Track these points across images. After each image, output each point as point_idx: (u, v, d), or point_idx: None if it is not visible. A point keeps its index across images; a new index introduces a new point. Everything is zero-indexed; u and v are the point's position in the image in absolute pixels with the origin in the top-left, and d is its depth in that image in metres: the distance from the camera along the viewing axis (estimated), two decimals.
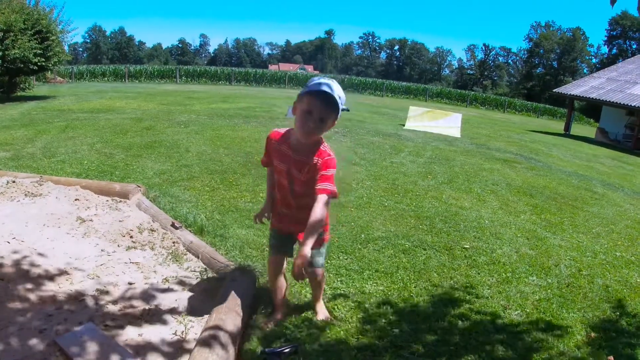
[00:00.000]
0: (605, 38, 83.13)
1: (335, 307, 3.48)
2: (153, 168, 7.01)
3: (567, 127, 27.99)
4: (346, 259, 4.37)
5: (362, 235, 5.02)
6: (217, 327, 2.70)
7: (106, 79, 37.88)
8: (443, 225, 5.73)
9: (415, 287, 4.01)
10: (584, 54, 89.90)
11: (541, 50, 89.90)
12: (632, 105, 23.31)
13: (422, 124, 17.58)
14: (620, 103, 24.00)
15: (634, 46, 77.01)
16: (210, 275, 3.73)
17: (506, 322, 3.63)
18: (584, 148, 19.97)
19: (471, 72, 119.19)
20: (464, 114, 21.54)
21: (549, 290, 4.28)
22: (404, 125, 17.71)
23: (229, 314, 2.87)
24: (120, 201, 5.10)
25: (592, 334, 3.64)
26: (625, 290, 4.58)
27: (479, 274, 4.44)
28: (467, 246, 5.08)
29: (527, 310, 3.87)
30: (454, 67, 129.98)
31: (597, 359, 3.27)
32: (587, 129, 35.96)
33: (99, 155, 7.68)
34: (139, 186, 5.41)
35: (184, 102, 18.39)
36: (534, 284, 4.38)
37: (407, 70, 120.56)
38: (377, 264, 4.32)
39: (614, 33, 79.78)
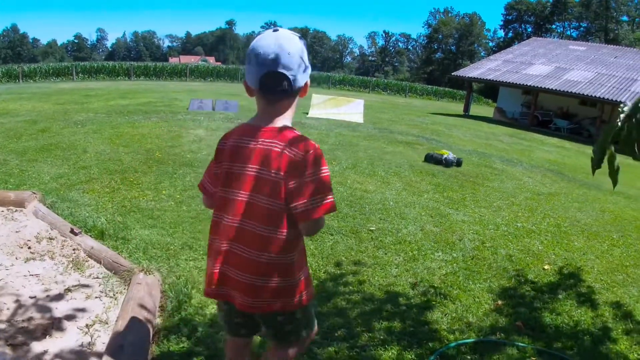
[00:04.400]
0: (502, 22, 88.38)
1: None
2: (49, 172, 6.50)
3: (467, 108, 29.48)
4: None
5: None
6: (125, 334, 2.56)
7: None
8: (349, 209, 5.77)
9: (324, 273, 3.99)
10: (481, 38, 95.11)
11: (440, 36, 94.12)
12: (528, 84, 24.99)
13: (326, 112, 17.72)
14: (516, 83, 25.65)
15: (529, 29, 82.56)
16: (114, 280, 3.52)
17: (415, 298, 3.69)
18: (483, 127, 21.07)
19: (373, 59, 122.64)
20: (367, 100, 22.02)
21: (454, 264, 4.43)
22: (307, 113, 17.77)
23: (136, 319, 2.71)
24: (16, 210, 4.70)
25: (499, 302, 3.80)
26: (527, 258, 4.84)
27: (386, 254, 4.50)
28: (373, 228, 5.14)
29: (435, 285, 3.98)
30: (355, 54, 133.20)
31: None
32: (486, 109, 38.09)
33: None
34: (34, 193, 4.98)
35: (81, 101, 17.34)
36: (440, 259, 4.51)
37: (310, 59, 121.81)
38: None
39: (510, 17, 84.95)
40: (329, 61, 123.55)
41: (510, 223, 6.00)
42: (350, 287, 3.74)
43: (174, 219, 4.97)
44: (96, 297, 3.24)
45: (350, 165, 8.50)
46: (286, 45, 1.63)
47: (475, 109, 34.05)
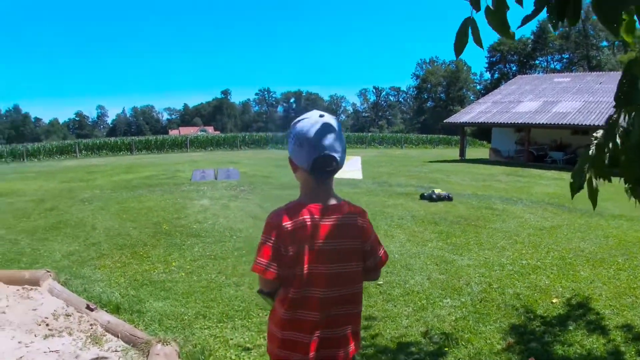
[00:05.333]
0: (487, 65, 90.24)
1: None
2: (61, 250, 6.70)
3: (462, 153, 29.89)
4: (253, 325, 4.37)
5: None
6: None
7: (4, 159, 36.01)
8: None
9: None
10: (468, 82, 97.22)
11: (429, 85, 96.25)
12: (519, 122, 25.50)
13: None
14: (507, 122, 26.14)
15: (514, 68, 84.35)
16: (132, 353, 3.66)
17: (427, 346, 3.79)
18: (480, 170, 21.33)
19: (366, 114, 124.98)
20: (365, 155, 22.45)
21: (463, 309, 4.54)
22: None
23: None
24: (32, 289, 4.86)
25: (510, 341, 3.90)
26: (535, 294, 4.95)
27: (395, 306, 4.62)
28: (381, 282, 5.26)
29: (446, 331, 4.08)
30: (349, 112, 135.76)
31: None
32: (482, 151, 38.56)
33: (3, 242, 7.26)
34: (48, 271, 5.17)
35: (85, 178, 17.72)
36: (449, 306, 4.62)
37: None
38: None
39: (494, 59, 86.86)
40: None
41: (515, 262, 6.11)
42: (364, 342, 3.84)
43: (186, 289, 5.11)
44: None
45: None
46: (334, 130, 1.82)
47: (470, 152, 34.52)
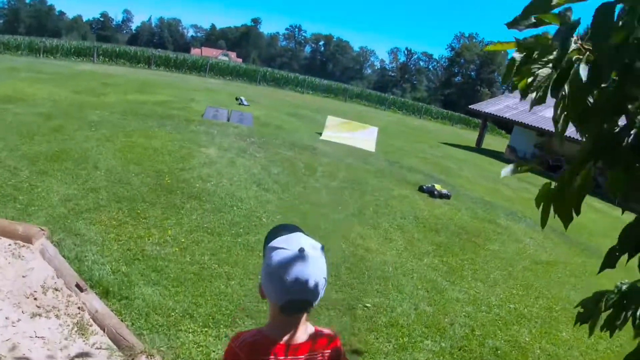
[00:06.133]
0: None
1: None
2: (59, 192, 6.68)
3: (479, 142, 29.64)
4: (251, 325, 4.45)
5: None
6: None
7: (20, 52, 35.71)
8: (348, 275, 5.97)
9: None
10: (502, 67, 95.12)
11: (462, 60, 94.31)
12: (543, 128, 25.08)
13: (339, 135, 17.92)
14: (531, 125, 25.74)
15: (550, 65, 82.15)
16: (116, 356, 3.74)
17: None
18: (493, 167, 21.20)
19: (392, 74, 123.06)
20: (382, 119, 22.26)
21: (441, 357, 4.62)
22: (320, 134, 17.98)
23: None
24: (24, 245, 4.94)
25: None
26: (513, 352, 5.04)
27: (377, 339, 4.71)
28: (369, 304, 5.34)
29: None
30: (376, 67, 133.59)
31: None
32: (499, 142, 38.16)
33: (3, 169, 7.18)
34: (42, 229, 5.21)
35: (98, 91, 17.59)
36: (428, 350, 4.71)
37: (330, 67, 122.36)
38: None
39: None
40: (349, 71, 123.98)
41: (503, 304, 6.18)
42: None
43: (177, 273, 5.15)
44: None
45: (356, 211, 8.71)
46: (316, 275, 1.64)
47: (488, 140, 34.17)
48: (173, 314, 4.43)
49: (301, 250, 1.64)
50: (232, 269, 5.48)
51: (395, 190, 11.18)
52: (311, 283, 1.64)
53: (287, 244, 1.67)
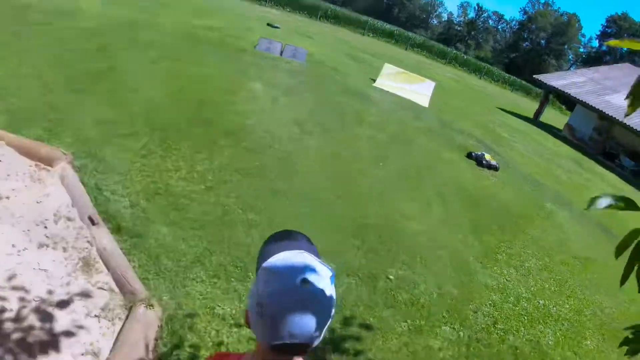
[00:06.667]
0: (599, 33, 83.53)
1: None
2: (92, 114, 6.49)
3: (538, 115, 28.34)
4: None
5: None
6: None
7: None
8: (376, 241, 5.75)
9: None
10: (574, 41, 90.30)
11: (533, 26, 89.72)
12: (606, 113, 23.71)
13: (394, 85, 17.32)
14: (596, 107, 24.36)
15: (624, 49, 77.74)
16: (117, 300, 3.63)
17: None
18: (548, 143, 20.32)
19: (459, 28, 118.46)
20: (441, 75, 21.44)
21: (457, 348, 4.42)
22: (374, 81, 17.42)
23: None
24: (44, 168, 4.83)
25: None
26: (533, 355, 4.77)
27: (393, 316, 4.51)
28: (392, 276, 5.13)
29: None
30: (442, 19, 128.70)
31: None
32: (557, 117, 36.53)
33: (38, 85, 6.94)
34: (65, 153, 5.10)
35: (153, 10, 17.21)
36: (444, 337, 4.50)
37: (395, 11, 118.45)
38: None
39: (609, 30, 79.97)
40: (414, 19, 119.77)
41: (533, 298, 5.89)
42: (344, 357, 3.77)
43: (198, 215, 5.00)
44: (96, 316, 3.39)
45: (398, 170, 8.39)
46: (320, 318, 1.27)
47: (547, 113, 32.76)
48: (184, 259, 4.29)
49: (303, 283, 1.25)
50: (256, 216, 5.31)
51: (443, 153, 10.76)
52: (311, 327, 1.27)
53: (287, 269, 1.28)
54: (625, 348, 2.06)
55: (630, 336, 1.95)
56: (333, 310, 1.32)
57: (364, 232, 5.79)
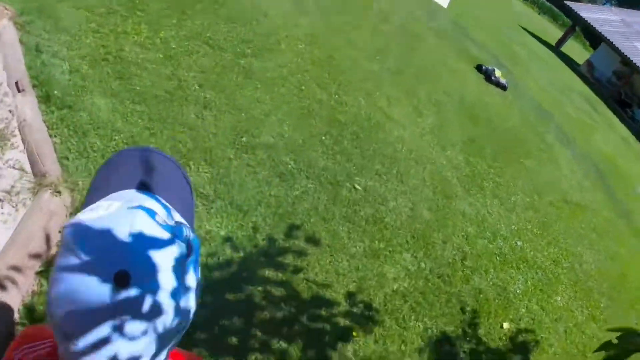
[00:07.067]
0: None
1: None
2: None
3: (560, 44, 26.81)
4: (205, 173, 3.56)
5: (244, 138, 4.14)
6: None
7: None
8: (352, 140, 4.98)
9: (264, 238, 3.33)
10: None
11: None
12: (631, 59, 22.30)
13: None
14: (620, 50, 22.89)
15: None
16: (24, 182, 2.91)
17: (338, 318, 3.11)
18: (564, 74, 19.22)
19: None
20: None
21: (413, 281, 3.81)
22: None
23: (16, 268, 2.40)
24: None
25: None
26: (495, 302, 4.21)
27: (349, 235, 3.84)
28: (359, 186, 4.40)
29: (374, 305, 3.37)
30: None
31: None
32: (579, 51, 34.81)
33: None
34: (7, 8, 4.06)
35: None
36: (402, 267, 3.87)
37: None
38: (238, 191, 3.55)
39: None
40: None
41: (511, 236, 5.27)
42: (280, 274, 3.13)
43: (146, 87, 4.08)
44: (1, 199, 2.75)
45: (393, 68, 7.46)
46: (153, 336, 0.67)
47: (569, 44, 31.15)
48: (117, 138, 3.48)
49: (118, 286, 0.62)
50: (215, 95, 4.41)
51: (451, 59, 9.76)
52: (134, 356, 0.66)
53: (93, 253, 0.64)
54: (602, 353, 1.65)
55: (615, 341, 1.64)
56: (190, 314, 0.72)
57: (339, 129, 5.00)
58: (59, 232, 2.67)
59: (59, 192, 2.85)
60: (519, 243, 5.26)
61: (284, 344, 2.78)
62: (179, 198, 0.81)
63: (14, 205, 2.75)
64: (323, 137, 4.76)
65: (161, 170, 0.82)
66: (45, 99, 3.52)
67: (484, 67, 10.16)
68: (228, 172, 3.67)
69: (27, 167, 3.04)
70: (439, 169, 5.53)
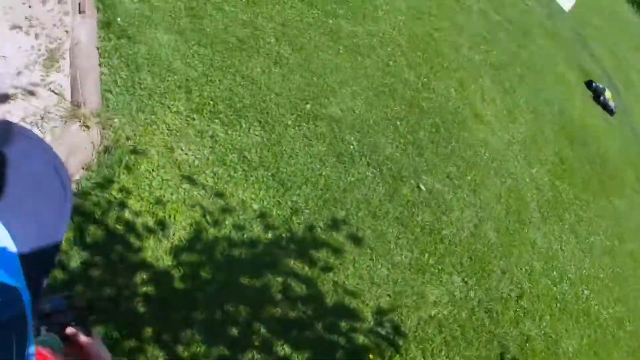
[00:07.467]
0: None
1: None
2: None
3: None
4: (256, 136, 3.19)
5: (308, 105, 3.72)
6: None
7: None
8: (429, 133, 4.46)
9: (299, 222, 2.95)
10: None
11: None
12: None
13: None
14: None
15: None
16: (59, 108, 2.77)
17: (360, 330, 2.71)
18: None
19: None
20: None
21: (456, 310, 3.33)
22: None
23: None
24: None
25: None
26: (542, 355, 3.66)
27: (397, 240, 3.38)
28: (424, 187, 3.90)
29: (405, 327, 2.94)
30: None
31: None
32: None
33: None
34: None
35: None
36: (448, 290, 3.39)
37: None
38: (286, 163, 3.20)
39: None
40: None
41: (579, 282, 4.68)
42: (307, 268, 2.74)
43: (216, 30, 3.77)
44: (31, 123, 2.66)
45: (496, 62, 6.78)
46: None
47: None
48: (170, 79, 3.22)
49: None
50: (291, 52, 4.02)
51: (560, 67, 8.90)
52: None
53: None
54: None
55: None
56: None
57: (418, 117, 4.48)
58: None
59: (87, 126, 2.63)
60: (585, 292, 4.65)
61: (287, 349, 2.44)
62: (39, 201, 0.53)
63: (43, 132, 2.63)
64: (398, 122, 4.25)
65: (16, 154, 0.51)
66: (105, 25, 3.32)
67: (594, 85, 9.23)
68: (281, 139, 3.31)
69: (67, 94, 2.91)
70: (519, 187, 4.93)
